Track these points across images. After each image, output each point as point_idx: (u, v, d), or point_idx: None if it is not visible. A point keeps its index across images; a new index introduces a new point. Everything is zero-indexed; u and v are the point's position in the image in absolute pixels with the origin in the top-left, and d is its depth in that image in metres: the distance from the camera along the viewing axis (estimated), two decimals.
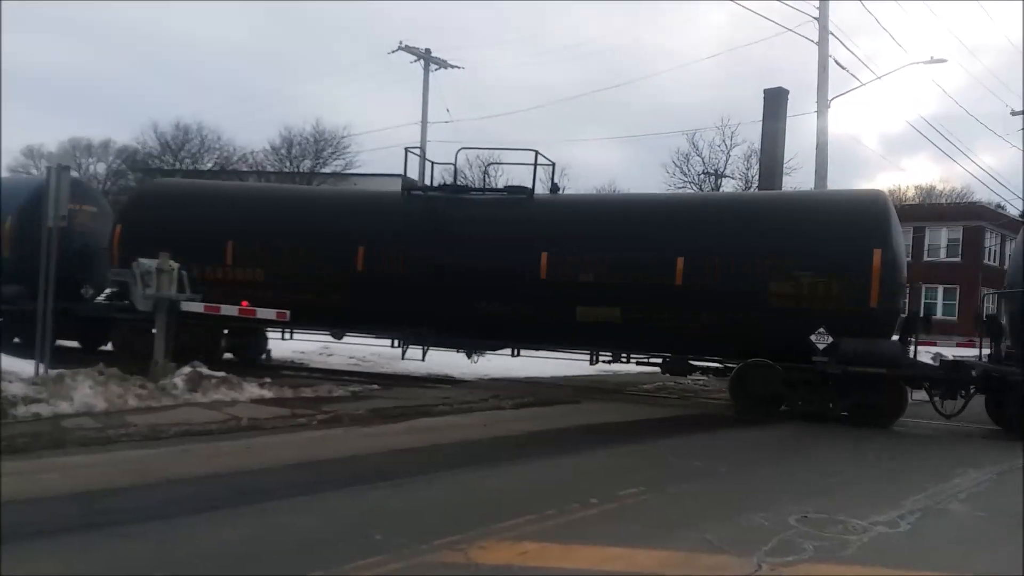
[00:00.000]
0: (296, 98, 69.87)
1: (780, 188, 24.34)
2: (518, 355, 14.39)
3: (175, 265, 11.05)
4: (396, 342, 14.48)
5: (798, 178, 38.53)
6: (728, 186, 45.23)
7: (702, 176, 45.71)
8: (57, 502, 5.45)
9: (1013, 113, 37.57)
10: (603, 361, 14.04)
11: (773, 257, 12.09)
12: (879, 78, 24.50)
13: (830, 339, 11.37)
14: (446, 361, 15.48)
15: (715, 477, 7.61)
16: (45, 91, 70.08)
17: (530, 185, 14.15)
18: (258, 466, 6.96)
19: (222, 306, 12.52)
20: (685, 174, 46.38)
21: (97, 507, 5.38)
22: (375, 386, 12.44)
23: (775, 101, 23.76)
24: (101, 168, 54.27)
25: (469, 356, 14.69)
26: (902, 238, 12.90)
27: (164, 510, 5.37)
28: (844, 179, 74.35)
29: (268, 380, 11.46)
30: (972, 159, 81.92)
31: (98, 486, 5.93)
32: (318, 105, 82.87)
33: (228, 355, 14.91)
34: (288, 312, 12.66)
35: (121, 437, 7.75)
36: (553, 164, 14.72)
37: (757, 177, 31.59)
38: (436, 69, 34.38)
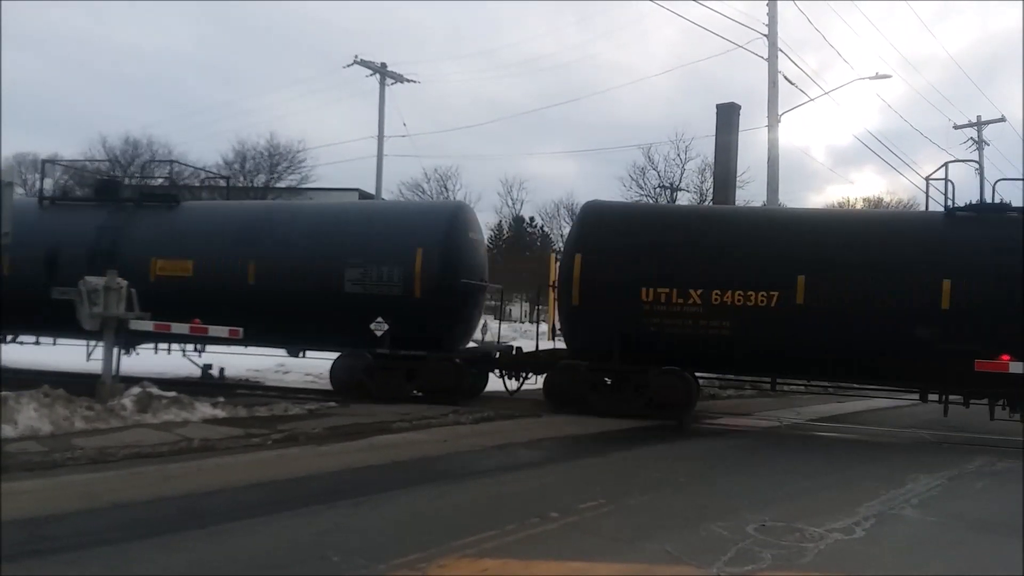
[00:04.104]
0: (249, 111, 69.35)
1: (734, 201, 24.71)
2: None
3: (123, 283, 10.78)
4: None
5: (751, 191, 39.35)
6: (683, 199, 45.92)
7: (658, 189, 46.35)
8: None
9: (955, 127, 38.85)
10: None
11: None
12: (826, 93, 25.14)
13: None
14: None
15: (674, 488, 7.65)
16: None
17: None
18: (210, 488, 6.78)
19: (172, 324, 12.26)
20: (642, 187, 46.99)
21: (42, 533, 5.19)
22: (332, 403, 12.25)
23: (727, 115, 24.14)
24: (48, 184, 52.95)
25: None
26: None
27: (112, 535, 5.20)
28: (796, 191, 75.98)
29: (221, 399, 11.21)
30: (917, 171, 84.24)
31: (43, 512, 5.72)
32: (272, 119, 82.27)
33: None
34: (241, 330, 12.43)
35: (67, 461, 7.49)
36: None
37: (711, 190, 32.06)
38: (392, 83, 34.31)
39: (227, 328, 12.39)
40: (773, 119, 22.35)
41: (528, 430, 11.09)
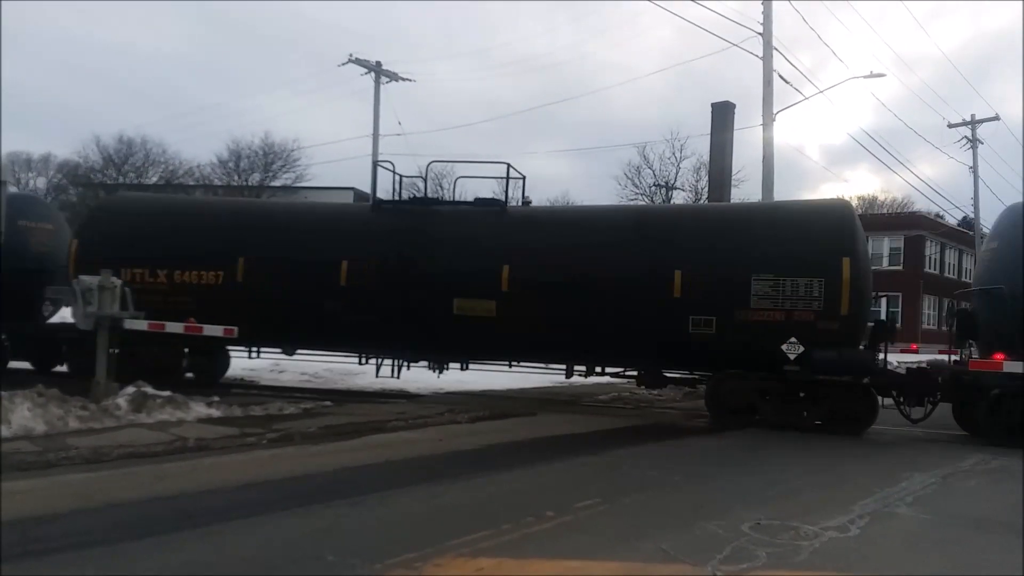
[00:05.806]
0: (243, 111, 69.21)
1: (728, 199, 24.73)
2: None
3: (117, 282, 10.76)
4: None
5: (746, 190, 39.44)
6: (678, 198, 45.99)
7: (653, 188, 46.43)
8: None
9: (950, 126, 38.95)
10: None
11: None
12: (821, 92, 25.27)
13: None
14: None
15: (670, 487, 7.65)
16: None
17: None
18: (205, 488, 6.77)
19: (167, 323, 12.23)
20: (637, 186, 47.06)
21: (36, 534, 5.17)
22: (328, 403, 12.26)
23: (722, 114, 24.20)
24: (41, 183, 52.83)
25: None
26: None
27: (106, 536, 5.18)
28: (790, 190, 76.07)
29: (216, 399, 11.20)
30: (911, 170, 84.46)
31: (37, 512, 5.70)
32: (266, 118, 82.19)
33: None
34: (236, 329, 12.42)
35: (62, 460, 7.48)
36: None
37: (706, 189, 32.10)
38: (387, 82, 34.28)
39: (222, 327, 12.36)
40: (768, 118, 22.37)
41: (523, 429, 11.09)
